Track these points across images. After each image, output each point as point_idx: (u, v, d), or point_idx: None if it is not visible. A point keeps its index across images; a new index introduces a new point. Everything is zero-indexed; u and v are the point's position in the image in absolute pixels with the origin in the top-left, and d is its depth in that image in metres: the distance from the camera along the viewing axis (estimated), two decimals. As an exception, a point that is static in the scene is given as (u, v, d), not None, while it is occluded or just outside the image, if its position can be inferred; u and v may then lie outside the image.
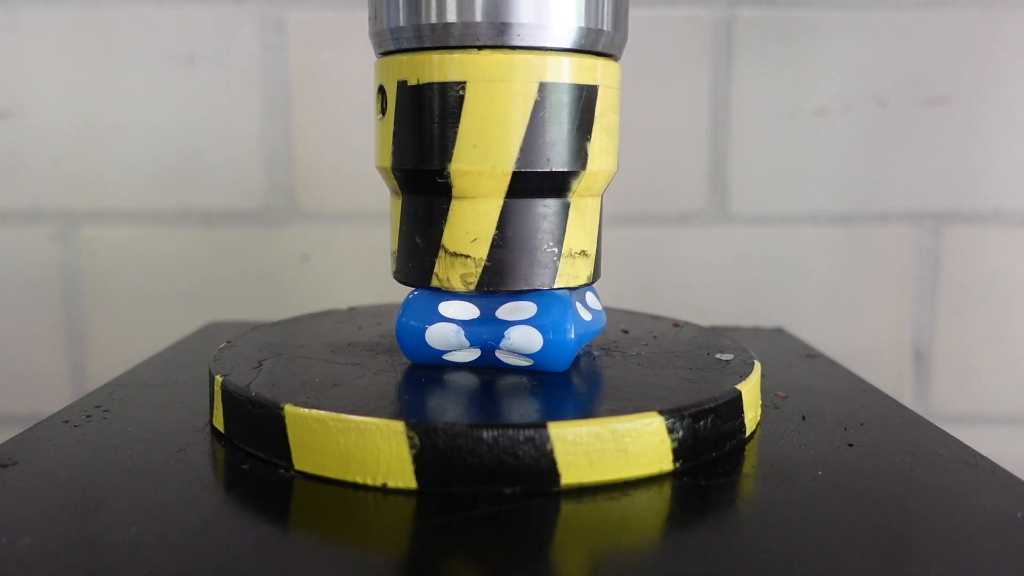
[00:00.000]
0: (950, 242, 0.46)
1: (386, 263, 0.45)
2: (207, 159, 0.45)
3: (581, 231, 0.25)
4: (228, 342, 0.28)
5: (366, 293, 0.46)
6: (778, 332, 0.37)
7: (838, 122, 0.45)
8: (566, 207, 0.24)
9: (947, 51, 0.45)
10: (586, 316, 0.25)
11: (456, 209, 0.24)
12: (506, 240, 0.24)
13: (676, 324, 0.31)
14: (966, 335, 0.47)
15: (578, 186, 0.24)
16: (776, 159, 0.46)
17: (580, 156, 0.24)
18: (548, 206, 0.24)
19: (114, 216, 0.46)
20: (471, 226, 0.24)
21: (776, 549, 0.17)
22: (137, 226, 0.46)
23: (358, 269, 0.46)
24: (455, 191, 0.24)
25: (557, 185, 0.24)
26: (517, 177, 0.23)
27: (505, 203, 0.24)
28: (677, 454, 0.21)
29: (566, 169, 0.24)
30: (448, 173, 0.23)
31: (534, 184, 0.24)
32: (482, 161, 0.23)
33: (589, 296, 0.26)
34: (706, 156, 0.46)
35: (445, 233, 0.24)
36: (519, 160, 0.23)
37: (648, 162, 0.45)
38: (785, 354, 0.33)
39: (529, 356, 0.24)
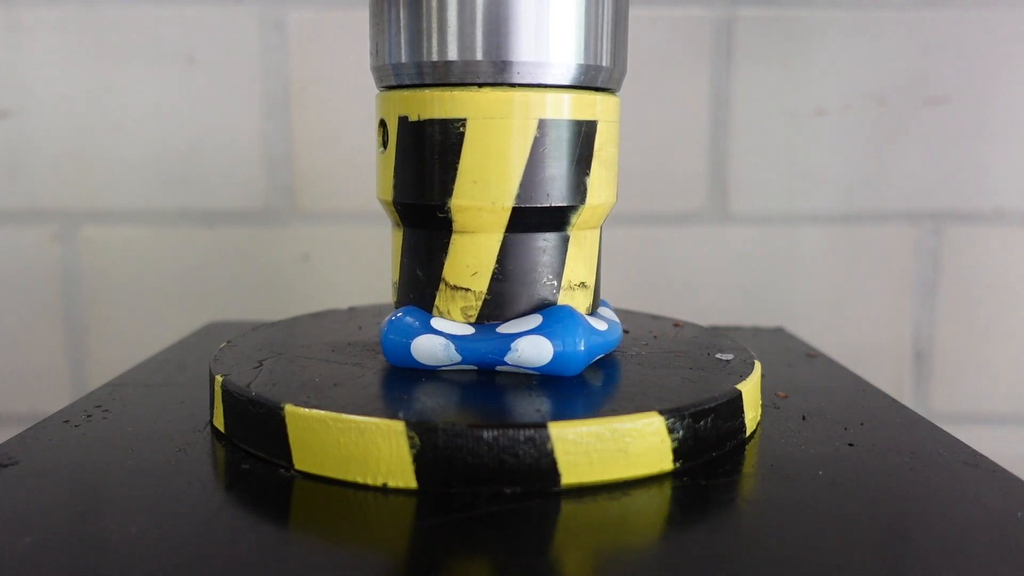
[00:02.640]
0: (950, 242, 0.46)
1: (386, 262, 0.45)
2: (207, 159, 0.45)
3: (580, 263, 0.25)
4: (228, 342, 0.28)
5: (366, 293, 0.46)
6: (778, 332, 0.37)
7: (838, 122, 0.45)
8: (565, 240, 0.24)
9: (947, 51, 0.45)
10: (600, 326, 0.25)
11: (456, 243, 0.24)
12: (506, 273, 0.24)
13: (676, 324, 0.31)
14: (966, 335, 0.47)
15: (577, 220, 0.24)
16: (776, 159, 0.46)
17: (579, 191, 0.24)
18: (547, 240, 0.24)
19: (114, 216, 0.46)
20: (471, 260, 0.24)
21: (776, 549, 0.17)
22: (137, 226, 0.46)
23: (358, 269, 0.46)
24: (455, 225, 0.24)
25: (556, 219, 0.24)
26: (517, 212, 0.23)
27: (505, 237, 0.24)
28: (677, 454, 0.21)
29: (565, 204, 0.24)
30: (448, 208, 0.23)
31: (534, 219, 0.24)
32: (482, 197, 0.23)
33: (602, 308, 0.26)
34: (706, 156, 0.46)
35: (446, 266, 0.24)
36: (519, 196, 0.23)
37: (648, 162, 0.45)
38: (785, 354, 0.33)
39: (535, 370, 0.23)
